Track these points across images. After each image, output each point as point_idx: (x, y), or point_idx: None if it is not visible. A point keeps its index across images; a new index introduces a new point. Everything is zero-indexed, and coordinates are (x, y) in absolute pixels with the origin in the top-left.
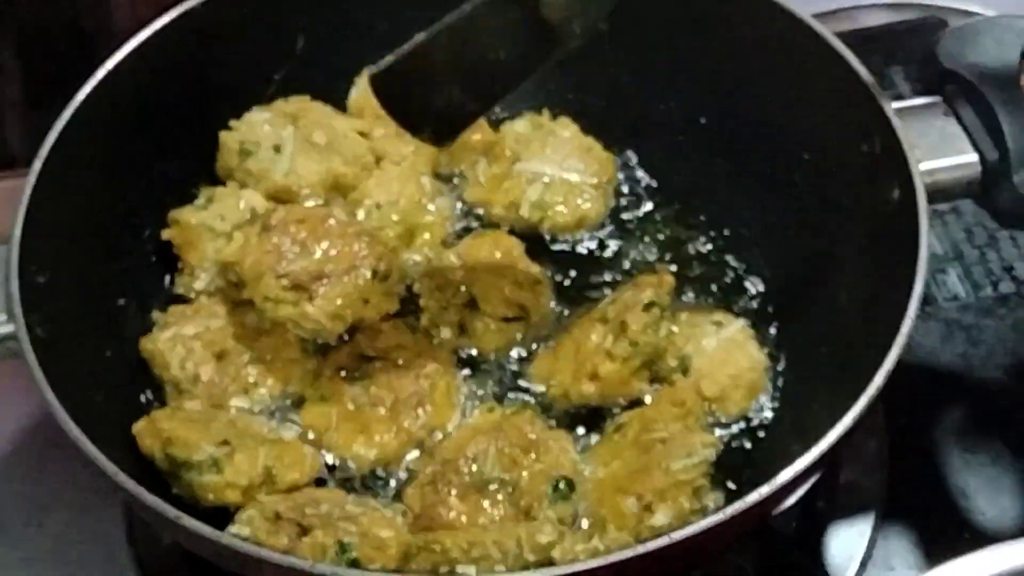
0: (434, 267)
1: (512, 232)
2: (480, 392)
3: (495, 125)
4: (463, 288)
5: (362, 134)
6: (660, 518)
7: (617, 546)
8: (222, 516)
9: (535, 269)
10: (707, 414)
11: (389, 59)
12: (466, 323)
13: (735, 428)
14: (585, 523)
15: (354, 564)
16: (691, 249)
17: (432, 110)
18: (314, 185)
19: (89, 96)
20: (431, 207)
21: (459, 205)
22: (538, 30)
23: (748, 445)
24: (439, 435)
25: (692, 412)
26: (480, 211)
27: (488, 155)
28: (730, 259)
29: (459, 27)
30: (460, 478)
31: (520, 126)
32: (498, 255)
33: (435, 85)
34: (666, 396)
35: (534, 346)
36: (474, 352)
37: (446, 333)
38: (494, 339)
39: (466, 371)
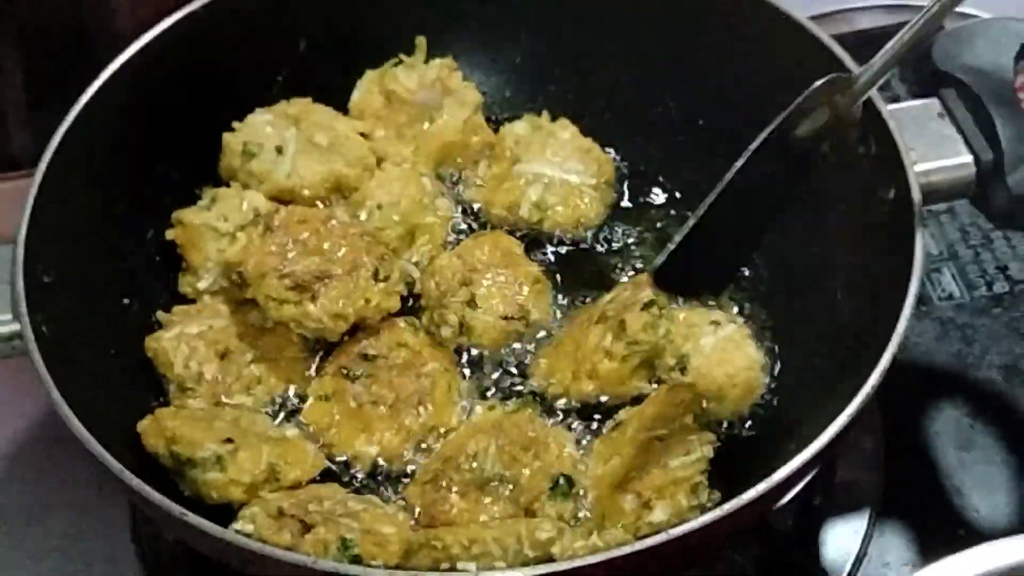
0: (434, 267)
1: (512, 232)
2: (480, 390)
3: (495, 126)
4: (463, 288)
5: (363, 135)
6: (658, 515)
7: (616, 543)
8: (225, 513)
9: (534, 268)
10: (704, 412)
11: (662, 256)
12: (466, 322)
13: (732, 426)
14: (585, 520)
15: (356, 560)
16: None
17: (719, 277)
18: (316, 186)
19: (93, 98)
20: (432, 208)
21: (459, 205)
22: (793, 166)
23: (746, 443)
24: (440, 433)
25: (690, 410)
26: (480, 211)
27: (488, 156)
28: None
29: (722, 200)
30: (461, 475)
31: (520, 128)
32: (498, 255)
33: (714, 258)
34: (665, 395)
35: (533, 345)
36: (475, 351)
37: (447, 332)
38: (494, 336)
39: (467, 370)
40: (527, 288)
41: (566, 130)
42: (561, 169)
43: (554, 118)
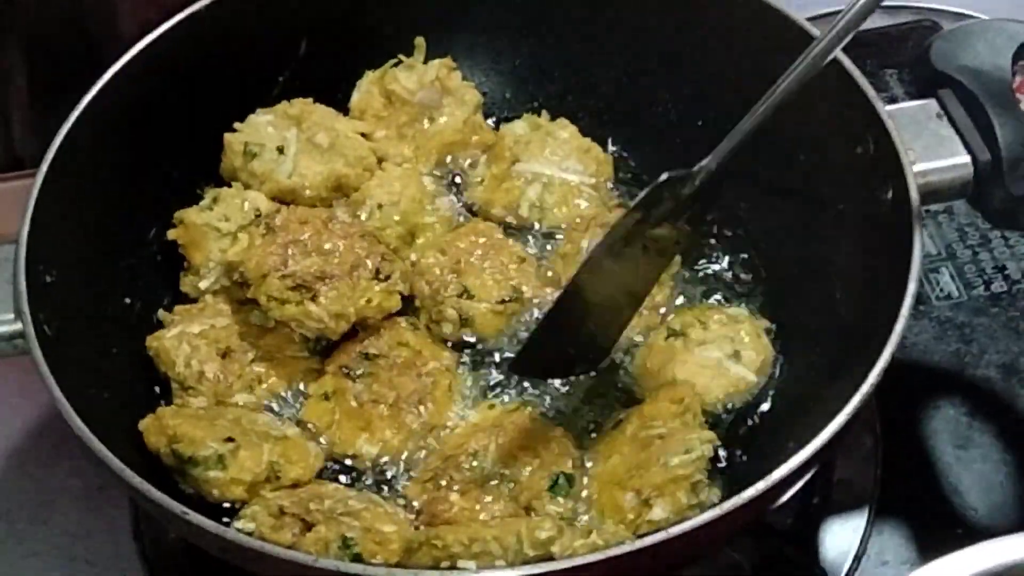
0: (422, 266)
1: (511, 229)
2: (481, 390)
3: (495, 126)
4: (454, 282)
5: (364, 136)
6: (658, 513)
7: (615, 541)
8: (227, 512)
9: (518, 248)
10: (703, 411)
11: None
12: (465, 314)
13: (732, 425)
14: (584, 518)
15: (357, 559)
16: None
17: (576, 361)
18: (317, 186)
19: (95, 98)
20: (432, 207)
21: (459, 205)
22: (651, 254)
23: (745, 442)
24: (440, 432)
25: (690, 409)
26: (479, 210)
27: (488, 156)
28: (727, 259)
29: (570, 293)
30: (461, 474)
31: (519, 127)
32: (480, 242)
33: (567, 344)
34: (664, 394)
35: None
36: (476, 349)
37: (448, 327)
38: (495, 323)
39: (467, 369)
40: (514, 268)
41: (565, 130)
42: (560, 168)
43: (553, 118)
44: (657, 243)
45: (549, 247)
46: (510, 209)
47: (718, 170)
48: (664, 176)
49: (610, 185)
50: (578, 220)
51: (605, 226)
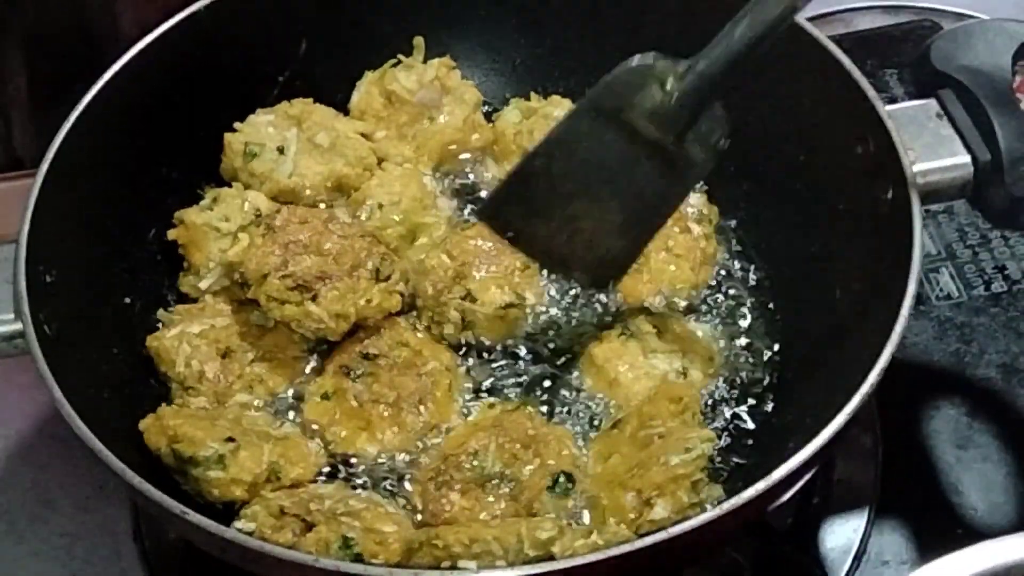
0: (425, 267)
1: None
2: (481, 389)
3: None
4: (458, 284)
5: (364, 136)
6: (660, 512)
7: (616, 541)
8: (227, 512)
9: (521, 254)
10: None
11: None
12: (468, 316)
13: (732, 424)
14: (586, 517)
15: (357, 559)
16: None
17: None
18: (317, 186)
19: (95, 98)
20: (433, 207)
21: (456, 204)
22: (655, 160)
23: (744, 441)
24: (441, 432)
25: (688, 408)
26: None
27: (493, 153)
28: (726, 258)
29: (541, 150)
30: (461, 474)
31: (512, 116)
32: (485, 246)
33: (539, 205)
34: (662, 392)
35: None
36: (476, 349)
37: (449, 329)
38: (496, 328)
39: (468, 367)
40: (518, 274)
41: (559, 106)
42: None
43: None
44: (650, 147)
45: None
46: None
47: (708, 79)
48: (650, 56)
49: None
50: None
51: None
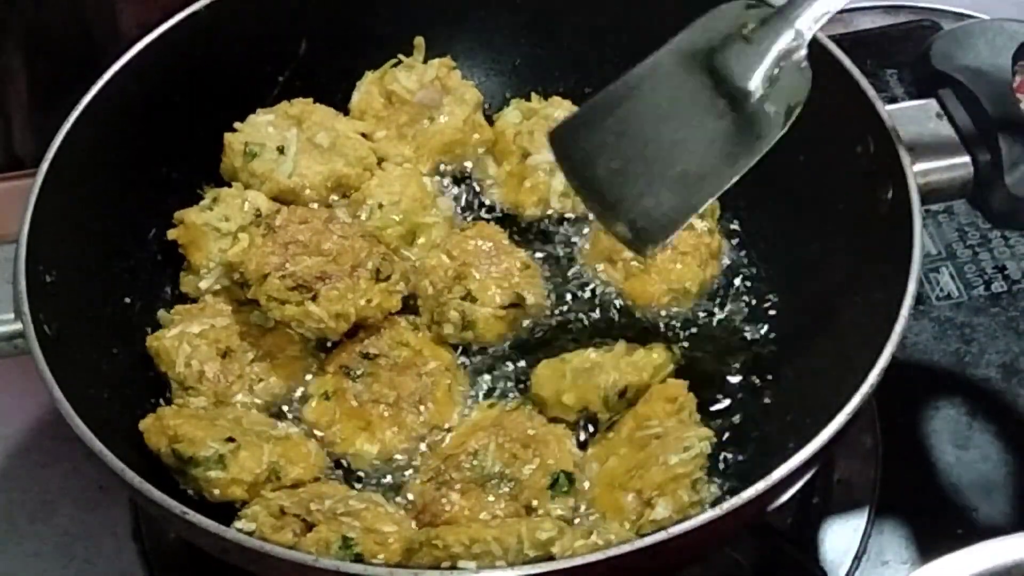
0: (426, 266)
1: (535, 223)
2: (481, 389)
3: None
4: (458, 284)
5: (364, 136)
6: (660, 512)
7: (616, 541)
8: (227, 512)
9: (522, 254)
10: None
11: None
12: (468, 317)
13: (731, 424)
14: (586, 517)
15: (358, 559)
16: None
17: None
18: (317, 186)
19: (95, 98)
20: (433, 207)
21: (457, 205)
22: (729, 116)
23: (744, 441)
24: (441, 431)
25: (685, 407)
26: (507, 211)
27: (493, 154)
28: (726, 258)
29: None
30: (461, 473)
31: (512, 116)
32: (486, 247)
33: (606, 140)
34: (658, 393)
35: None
36: (476, 349)
37: (448, 329)
38: (496, 328)
39: (467, 369)
40: (519, 275)
41: (559, 107)
42: None
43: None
44: (731, 100)
45: (585, 231)
46: (541, 205)
47: (791, 21)
48: (741, 2)
49: None
50: None
51: None
